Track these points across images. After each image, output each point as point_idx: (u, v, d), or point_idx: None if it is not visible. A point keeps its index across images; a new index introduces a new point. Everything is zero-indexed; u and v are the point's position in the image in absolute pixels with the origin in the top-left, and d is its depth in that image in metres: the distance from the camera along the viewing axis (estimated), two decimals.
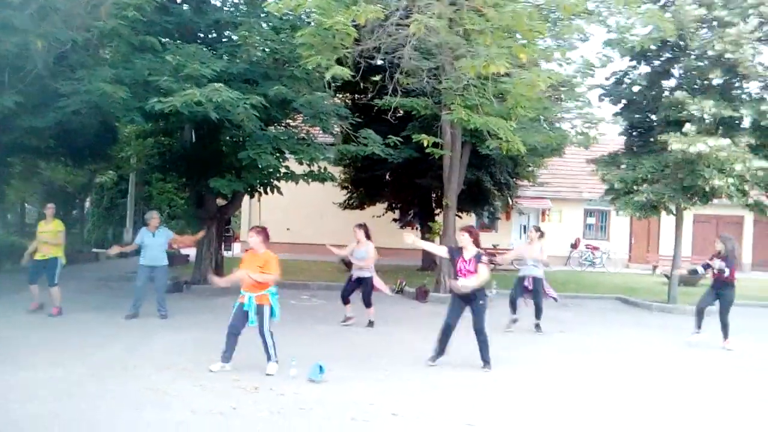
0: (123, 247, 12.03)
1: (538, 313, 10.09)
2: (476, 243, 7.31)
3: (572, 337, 9.89)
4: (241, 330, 6.78)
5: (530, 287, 10.02)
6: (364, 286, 9.80)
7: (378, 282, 9.86)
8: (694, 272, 10.56)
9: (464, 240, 7.33)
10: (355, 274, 9.89)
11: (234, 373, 6.62)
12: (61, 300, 9.84)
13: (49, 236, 9.86)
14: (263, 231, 6.90)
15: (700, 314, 9.44)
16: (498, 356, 7.52)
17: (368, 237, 9.82)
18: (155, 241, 10.09)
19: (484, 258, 7.26)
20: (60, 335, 8.39)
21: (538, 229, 10.38)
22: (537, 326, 10.06)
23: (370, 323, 9.85)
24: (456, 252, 7.43)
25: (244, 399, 5.81)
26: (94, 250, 22.35)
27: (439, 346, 7.39)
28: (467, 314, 7.36)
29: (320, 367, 6.51)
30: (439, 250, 8.17)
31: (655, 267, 22.11)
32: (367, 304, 9.87)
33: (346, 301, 9.93)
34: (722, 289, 9.29)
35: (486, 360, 7.34)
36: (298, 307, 11.96)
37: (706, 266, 9.58)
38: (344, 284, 10.18)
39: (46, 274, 9.84)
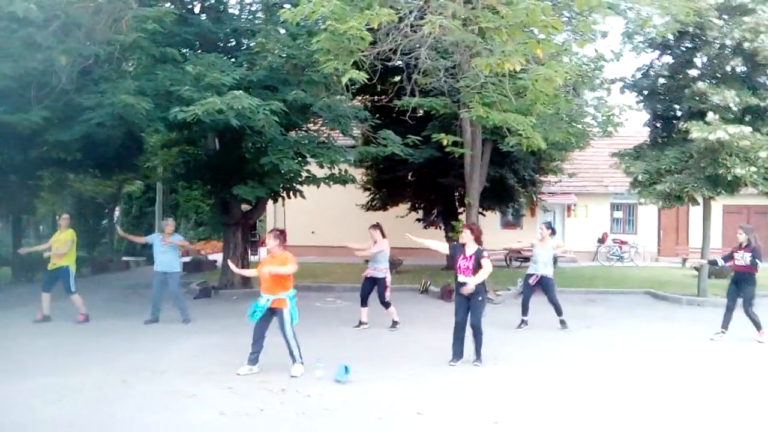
0: (130, 235, 12.62)
1: (557, 311, 10.01)
2: (478, 240, 7.38)
3: (598, 332, 9.81)
4: (265, 331, 6.88)
5: (533, 283, 9.95)
6: (378, 286, 9.76)
7: (388, 282, 9.83)
8: (714, 263, 10.42)
9: (465, 237, 7.41)
10: (370, 273, 9.87)
11: (261, 375, 6.74)
12: (86, 307, 10.06)
13: (59, 246, 10.00)
14: (280, 234, 7.05)
15: (730, 311, 9.30)
16: (522, 353, 7.51)
17: (383, 236, 9.83)
18: (167, 248, 10.22)
19: (485, 253, 7.32)
20: (86, 341, 8.60)
21: (549, 227, 10.22)
22: (562, 323, 9.98)
23: (394, 324, 9.86)
24: (458, 249, 7.49)
25: (270, 400, 5.91)
26: (125, 258, 22.77)
27: (456, 346, 7.45)
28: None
29: (346, 367, 6.60)
30: (440, 246, 8.15)
31: (685, 259, 21.76)
32: (384, 304, 9.84)
33: (364, 302, 9.91)
34: (743, 282, 9.16)
35: (478, 354, 7.40)
36: (324, 309, 12.06)
37: (727, 258, 9.45)
38: (361, 284, 10.17)
39: (61, 284, 10.01)
